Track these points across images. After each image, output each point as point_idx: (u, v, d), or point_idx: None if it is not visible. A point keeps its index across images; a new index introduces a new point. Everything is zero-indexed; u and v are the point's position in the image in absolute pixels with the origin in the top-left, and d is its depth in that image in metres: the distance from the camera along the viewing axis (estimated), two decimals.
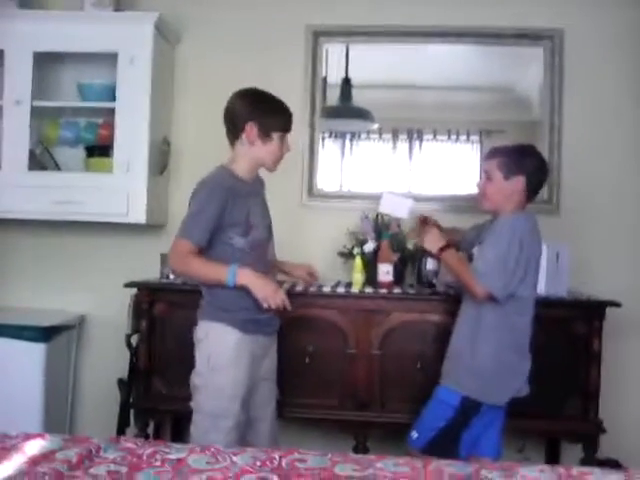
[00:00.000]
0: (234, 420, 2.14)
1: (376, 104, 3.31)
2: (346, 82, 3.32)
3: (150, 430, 2.95)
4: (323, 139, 3.33)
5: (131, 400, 2.94)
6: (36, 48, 3.04)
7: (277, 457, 1.64)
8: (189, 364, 2.21)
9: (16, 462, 1.53)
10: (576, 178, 3.16)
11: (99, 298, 3.30)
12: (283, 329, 2.37)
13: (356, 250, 2.95)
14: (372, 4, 3.24)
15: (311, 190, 3.29)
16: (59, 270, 3.35)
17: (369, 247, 2.97)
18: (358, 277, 2.86)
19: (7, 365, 2.95)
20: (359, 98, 3.33)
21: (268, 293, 2.11)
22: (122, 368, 2.99)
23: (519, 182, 2.35)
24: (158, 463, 1.59)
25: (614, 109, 3.18)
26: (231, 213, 2.14)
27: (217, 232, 2.14)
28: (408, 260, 3.00)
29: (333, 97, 3.34)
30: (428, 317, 2.74)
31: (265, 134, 2.20)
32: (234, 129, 2.22)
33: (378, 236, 2.97)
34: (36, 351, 2.98)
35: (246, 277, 2.10)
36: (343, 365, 2.74)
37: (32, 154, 3.12)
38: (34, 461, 1.53)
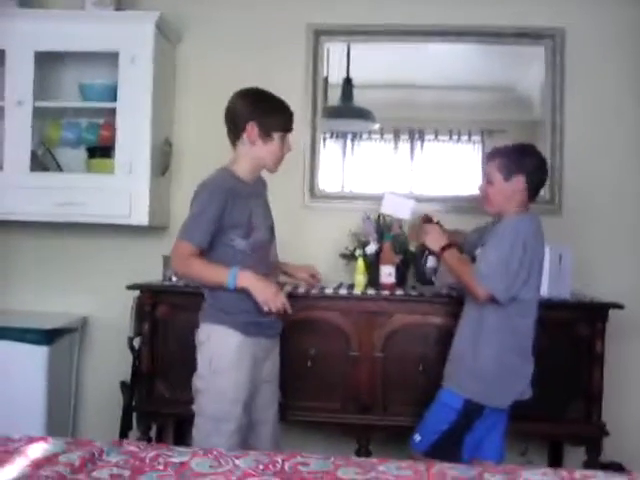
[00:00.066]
0: (236, 423, 2.14)
1: (377, 104, 3.31)
2: (347, 82, 3.32)
3: (153, 433, 2.94)
4: (324, 139, 3.32)
5: (134, 403, 2.93)
6: (37, 48, 3.04)
7: (280, 460, 1.64)
8: (192, 367, 2.20)
9: (19, 465, 1.52)
10: (578, 178, 3.16)
11: (101, 300, 3.29)
12: (285, 331, 2.36)
13: (358, 252, 2.95)
14: (373, 3, 3.24)
15: (313, 191, 3.28)
16: (61, 272, 3.34)
17: (371, 249, 2.96)
18: (360, 279, 2.86)
19: (10, 368, 2.95)
20: (360, 98, 3.33)
21: (268, 296, 2.10)
22: (125, 371, 2.98)
23: (519, 182, 2.35)
24: (161, 467, 1.59)
25: (616, 108, 3.17)
26: (232, 214, 2.13)
27: (218, 234, 2.13)
28: (410, 262, 3.00)
29: (334, 97, 3.34)
30: (430, 319, 2.73)
31: (266, 134, 2.20)
32: (235, 129, 2.22)
33: (380, 237, 2.97)
34: (39, 354, 2.97)
35: (247, 280, 2.10)
36: (345, 368, 2.73)
37: (34, 155, 3.12)
38: (37, 464, 1.53)
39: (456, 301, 2.60)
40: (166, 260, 2.89)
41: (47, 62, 3.15)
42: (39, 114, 3.10)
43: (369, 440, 2.75)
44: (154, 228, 3.18)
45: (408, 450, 2.39)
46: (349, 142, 3.39)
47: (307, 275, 2.49)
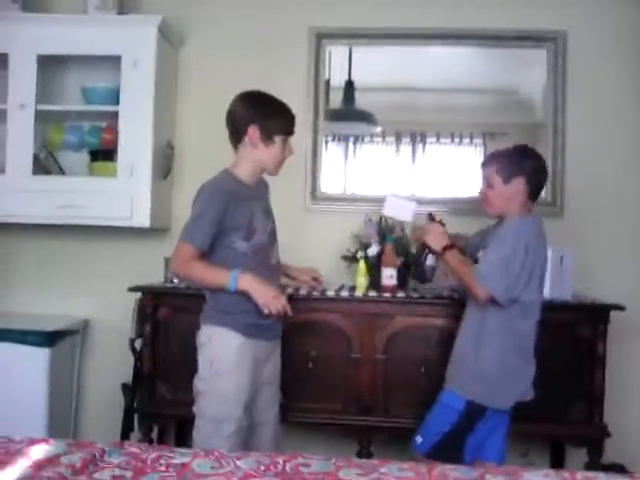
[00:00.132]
0: (236, 425, 2.14)
1: (379, 107, 3.32)
2: (349, 85, 3.32)
3: (154, 435, 2.94)
4: (326, 142, 3.33)
5: (135, 405, 2.94)
6: (40, 51, 3.05)
7: (281, 462, 1.64)
8: (193, 369, 2.21)
9: (21, 467, 1.52)
10: (580, 180, 3.16)
11: (103, 302, 3.30)
12: (286, 333, 2.37)
13: (360, 254, 2.95)
14: (374, 6, 3.24)
15: (314, 193, 3.29)
16: (63, 274, 3.35)
17: (373, 251, 2.96)
18: (362, 281, 2.86)
19: (11, 370, 2.95)
20: (362, 101, 3.34)
21: (268, 299, 2.11)
22: (126, 373, 2.99)
23: (519, 184, 2.35)
24: (162, 468, 1.59)
25: (617, 110, 3.17)
26: (233, 217, 2.14)
27: (219, 236, 2.14)
28: (412, 264, 2.99)
29: (336, 100, 3.34)
30: (432, 321, 2.74)
31: (267, 137, 2.20)
32: (236, 132, 2.22)
33: (382, 240, 2.97)
34: (40, 356, 2.98)
35: (247, 282, 2.10)
36: (347, 369, 2.73)
37: (36, 158, 3.13)
38: (39, 466, 1.53)
39: (458, 303, 2.61)
40: (167, 262, 2.88)
41: (50, 66, 3.17)
42: (42, 117, 3.11)
43: (370, 441, 2.75)
44: (155, 230, 3.19)
45: (410, 452, 2.39)
46: (351, 145, 3.39)
47: (309, 278, 2.49)
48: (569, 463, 2.99)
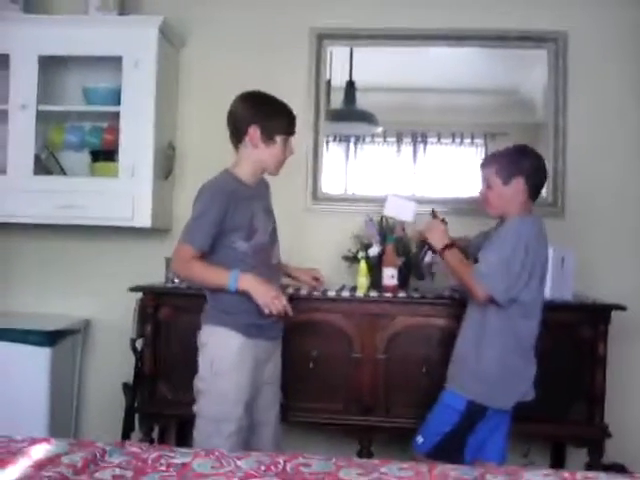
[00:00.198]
0: (237, 425, 2.14)
1: (380, 107, 3.32)
2: (350, 85, 3.33)
3: (155, 434, 2.95)
4: (327, 142, 3.33)
5: (136, 404, 2.94)
6: (41, 52, 3.06)
7: (282, 461, 1.64)
8: (194, 369, 2.21)
9: (22, 466, 1.53)
10: (581, 180, 3.16)
11: (104, 302, 3.30)
12: (287, 333, 2.37)
13: (361, 254, 2.95)
14: (375, 7, 3.25)
15: (315, 194, 3.29)
16: (64, 274, 3.35)
17: (374, 251, 2.96)
18: (363, 281, 2.86)
19: (12, 369, 2.96)
20: (363, 101, 3.34)
21: (269, 299, 2.11)
22: (127, 372, 2.99)
23: (519, 184, 2.35)
24: (163, 467, 1.59)
25: (618, 111, 3.17)
26: (233, 217, 2.14)
27: (220, 236, 2.14)
28: (413, 264, 3.00)
29: (337, 100, 3.35)
30: (433, 321, 2.74)
31: (268, 137, 2.20)
32: (237, 132, 2.23)
33: (383, 240, 2.97)
34: (41, 355, 2.98)
35: (247, 282, 2.10)
36: (348, 369, 2.73)
37: (37, 159, 3.13)
38: (39, 465, 1.53)
39: (458, 303, 2.61)
40: (168, 262, 2.88)
41: (51, 66, 3.17)
42: (43, 118, 3.12)
43: (371, 441, 2.76)
44: (157, 230, 3.19)
45: (410, 451, 2.39)
46: (352, 145, 3.39)
47: (310, 278, 2.49)
48: (570, 463, 2.99)
